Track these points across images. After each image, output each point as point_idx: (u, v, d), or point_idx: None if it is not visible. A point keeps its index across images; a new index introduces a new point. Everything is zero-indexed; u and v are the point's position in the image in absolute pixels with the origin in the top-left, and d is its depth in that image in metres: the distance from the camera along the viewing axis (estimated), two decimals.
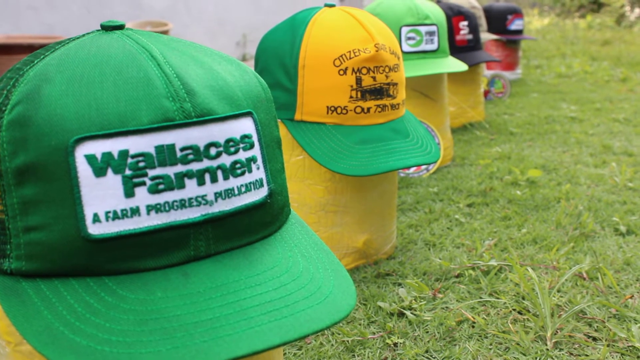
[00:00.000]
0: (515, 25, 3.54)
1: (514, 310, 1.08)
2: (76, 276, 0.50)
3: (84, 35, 0.58)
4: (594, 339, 1.00)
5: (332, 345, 0.99)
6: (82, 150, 0.48)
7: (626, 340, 0.98)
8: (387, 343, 0.99)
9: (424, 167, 1.90)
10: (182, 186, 0.50)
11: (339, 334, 1.02)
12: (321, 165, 1.14)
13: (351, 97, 1.14)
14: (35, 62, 0.54)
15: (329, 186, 1.18)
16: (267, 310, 0.49)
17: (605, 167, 1.96)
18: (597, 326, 1.03)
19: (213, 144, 0.52)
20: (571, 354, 0.96)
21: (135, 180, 0.49)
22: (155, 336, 0.46)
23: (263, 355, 0.62)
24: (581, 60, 4.89)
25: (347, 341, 1.00)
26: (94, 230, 0.49)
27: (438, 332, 1.02)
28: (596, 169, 1.94)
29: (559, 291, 1.14)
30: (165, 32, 3.81)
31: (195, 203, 0.51)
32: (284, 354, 0.97)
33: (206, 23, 4.93)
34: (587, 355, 0.95)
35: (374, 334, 1.02)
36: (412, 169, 1.89)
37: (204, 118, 0.51)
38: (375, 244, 1.26)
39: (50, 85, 0.51)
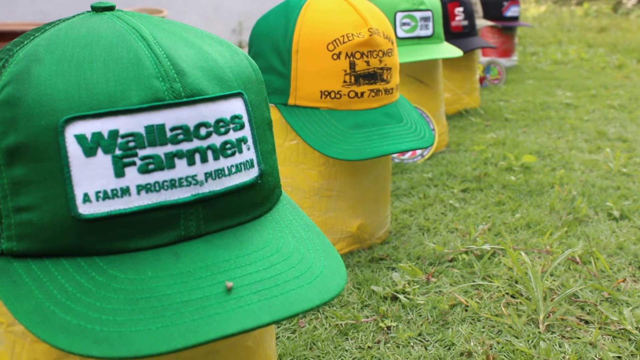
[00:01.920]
0: (511, 11, 3.53)
1: (507, 294, 1.09)
2: (67, 256, 0.50)
3: (74, 16, 0.58)
4: (586, 322, 1.01)
5: (326, 328, 0.99)
6: (72, 130, 0.49)
7: (618, 323, 0.99)
8: (381, 326, 1.00)
9: (418, 152, 1.91)
10: (172, 166, 0.50)
11: (333, 318, 1.02)
12: (315, 150, 1.14)
13: (345, 81, 1.13)
14: (25, 42, 0.54)
15: (323, 171, 1.18)
16: (257, 290, 0.49)
17: (600, 153, 1.96)
18: (589, 309, 1.04)
19: (203, 124, 0.52)
20: (563, 336, 0.96)
21: (125, 160, 0.49)
22: (146, 315, 0.46)
23: (254, 335, 0.62)
24: (577, 47, 4.88)
25: (341, 324, 1.00)
26: (84, 210, 0.49)
27: (431, 316, 1.02)
28: (590, 155, 1.94)
29: (551, 275, 1.15)
30: None
31: (185, 183, 0.51)
32: (277, 337, 0.97)
33: (202, 10, 4.91)
34: (579, 338, 0.95)
35: (367, 317, 1.03)
36: (407, 155, 1.89)
37: (193, 98, 0.51)
38: (369, 229, 1.26)
39: (40, 66, 0.51)
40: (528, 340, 0.95)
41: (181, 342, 0.44)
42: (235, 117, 0.55)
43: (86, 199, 0.49)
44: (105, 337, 0.45)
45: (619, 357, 0.91)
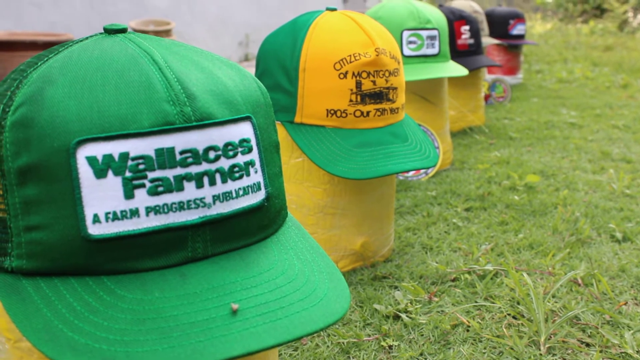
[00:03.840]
0: (517, 30, 3.55)
1: (509, 314, 1.09)
2: (76, 275, 0.51)
3: (87, 38, 0.59)
4: (587, 344, 1.01)
5: (328, 346, 1.00)
6: (84, 152, 0.50)
7: (619, 347, 0.99)
8: (382, 345, 1.00)
9: (422, 170, 1.91)
10: (180, 189, 0.51)
11: (335, 336, 1.03)
12: (320, 168, 1.15)
13: (351, 100, 1.14)
14: (39, 64, 0.55)
15: (328, 189, 1.19)
16: (262, 312, 0.50)
17: (604, 174, 1.97)
18: (590, 332, 1.04)
19: (212, 148, 0.53)
20: (564, 359, 0.97)
21: (135, 182, 0.50)
22: (152, 335, 0.47)
23: (258, 355, 0.63)
24: (582, 66, 4.90)
25: (343, 343, 1.01)
26: (94, 230, 0.50)
27: (433, 336, 1.03)
28: (594, 175, 1.94)
29: (553, 296, 1.15)
30: (167, 31, 3.82)
31: (193, 205, 0.52)
32: (280, 354, 0.98)
33: (209, 22, 4.94)
34: None
35: (369, 336, 1.03)
36: (411, 173, 1.90)
37: (203, 122, 0.52)
38: (372, 247, 1.27)
39: (53, 88, 0.52)
40: None
41: None
42: (244, 141, 0.56)
43: (96, 219, 0.50)
44: (113, 357, 0.45)
45: None
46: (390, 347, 1.00)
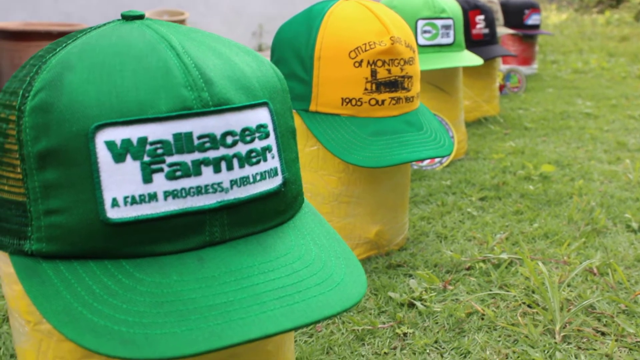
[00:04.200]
0: (532, 20, 3.53)
1: (524, 303, 1.09)
2: (95, 258, 0.52)
3: (104, 24, 0.59)
4: (603, 333, 1.01)
5: (343, 333, 1.00)
6: (102, 137, 0.50)
7: (634, 336, 0.99)
8: (397, 333, 1.01)
9: (437, 159, 1.91)
10: (198, 173, 0.52)
11: (350, 323, 1.03)
12: (335, 156, 1.15)
13: (366, 89, 1.14)
14: (58, 50, 0.56)
15: (343, 177, 1.19)
16: (279, 296, 0.50)
17: (619, 164, 1.96)
18: (606, 321, 1.04)
19: (229, 133, 0.53)
20: (579, 347, 0.97)
21: (153, 166, 0.50)
22: (171, 318, 0.47)
23: (274, 340, 0.63)
24: (598, 56, 4.86)
25: (357, 330, 1.01)
26: (112, 214, 0.50)
27: (447, 324, 1.03)
28: (610, 166, 1.94)
29: (569, 286, 1.15)
30: (181, 21, 3.82)
31: (211, 190, 0.52)
32: (295, 341, 0.99)
33: (223, 13, 4.94)
34: (595, 350, 0.96)
35: (384, 323, 1.04)
36: (426, 162, 1.90)
37: (221, 107, 0.53)
38: (387, 235, 1.27)
39: (72, 73, 0.52)
40: (544, 351, 0.95)
41: (205, 345, 0.45)
42: (261, 126, 0.56)
43: (114, 203, 0.50)
44: (131, 339, 0.46)
45: None
46: (404, 334, 1.01)
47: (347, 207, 1.21)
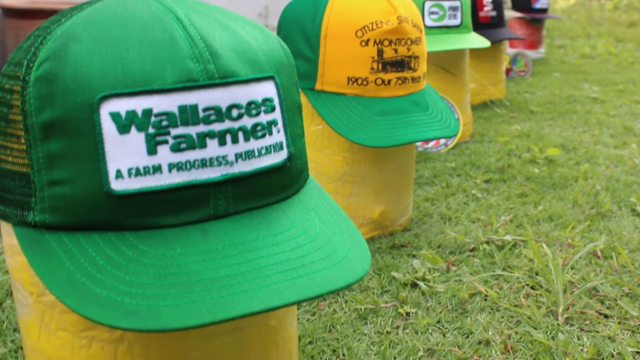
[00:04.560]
0: (540, 3, 3.50)
1: (527, 285, 1.09)
2: (98, 230, 0.52)
3: None
4: (606, 316, 1.01)
5: (345, 312, 1.00)
6: (107, 108, 0.50)
7: (637, 319, 0.99)
8: (400, 312, 1.01)
9: (442, 141, 1.91)
10: (203, 146, 0.51)
11: (352, 302, 1.03)
12: (340, 136, 1.15)
13: (372, 68, 1.14)
14: (63, 20, 0.55)
15: (347, 156, 1.19)
16: (283, 269, 0.50)
17: (625, 148, 1.95)
18: (609, 304, 1.04)
19: (235, 106, 0.53)
20: (582, 329, 0.97)
21: (158, 138, 0.50)
22: (174, 290, 0.47)
23: (277, 315, 0.63)
24: (606, 42, 4.83)
25: (360, 309, 1.01)
26: (116, 185, 0.50)
27: (450, 304, 1.03)
28: (616, 150, 1.93)
29: (572, 268, 1.15)
30: None
31: (216, 163, 0.52)
32: (297, 319, 0.99)
33: None
34: (597, 332, 0.96)
35: (387, 303, 1.04)
36: (431, 143, 1.89)
37: (226, 80, 0.52)
38: (391, 216, 1.27)
39: (77, 44, 0.52)
40: (547, 332, 0.95)
41: (208, 317, 0.45)
42: (267, 100, 0.55)
43: (119, 175, 0.50)
44: (134, 310, 0.46)
45: (637, 352, 0.91)
46: (407, 314, 1.01)
47: (351, 187, 1.21)
